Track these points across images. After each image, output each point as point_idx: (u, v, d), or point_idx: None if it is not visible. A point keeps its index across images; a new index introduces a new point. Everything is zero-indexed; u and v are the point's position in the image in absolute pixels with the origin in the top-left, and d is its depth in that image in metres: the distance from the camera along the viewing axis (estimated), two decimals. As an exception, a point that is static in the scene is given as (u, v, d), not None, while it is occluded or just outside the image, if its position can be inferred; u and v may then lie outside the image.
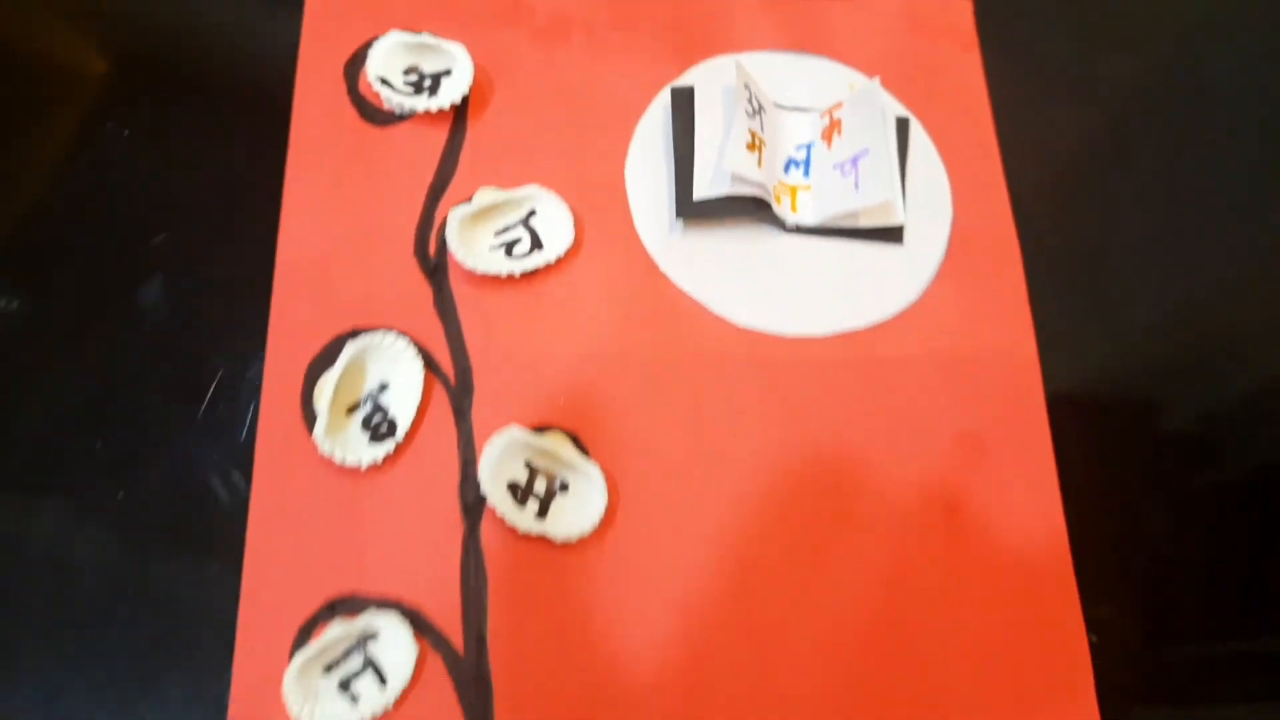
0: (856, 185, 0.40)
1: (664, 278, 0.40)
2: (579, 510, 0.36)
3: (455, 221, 0.39)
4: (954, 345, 0.40)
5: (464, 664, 0.34)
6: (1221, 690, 0.37)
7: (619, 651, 0.35)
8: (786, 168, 0.42)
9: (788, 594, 0.36)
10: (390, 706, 0.33)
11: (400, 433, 0.37)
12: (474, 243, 0.39)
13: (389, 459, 0.36)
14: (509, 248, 0.40)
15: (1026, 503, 0.38)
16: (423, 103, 0.42)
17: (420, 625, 0.34)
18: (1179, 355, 0.42)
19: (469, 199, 0.40)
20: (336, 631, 0.33)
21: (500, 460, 0.36)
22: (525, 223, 0.40)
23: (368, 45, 0.44)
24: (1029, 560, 0.37)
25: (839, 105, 0.42)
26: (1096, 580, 0.37)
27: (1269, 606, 0.38)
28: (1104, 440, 0.39)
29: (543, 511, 0.36)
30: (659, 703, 0.34)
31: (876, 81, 0.42)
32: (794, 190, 0.42)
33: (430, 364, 0.38)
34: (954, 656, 0.36)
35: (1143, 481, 0.39)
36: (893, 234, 0.42)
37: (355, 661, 0.34)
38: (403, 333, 0.38)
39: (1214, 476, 0.40)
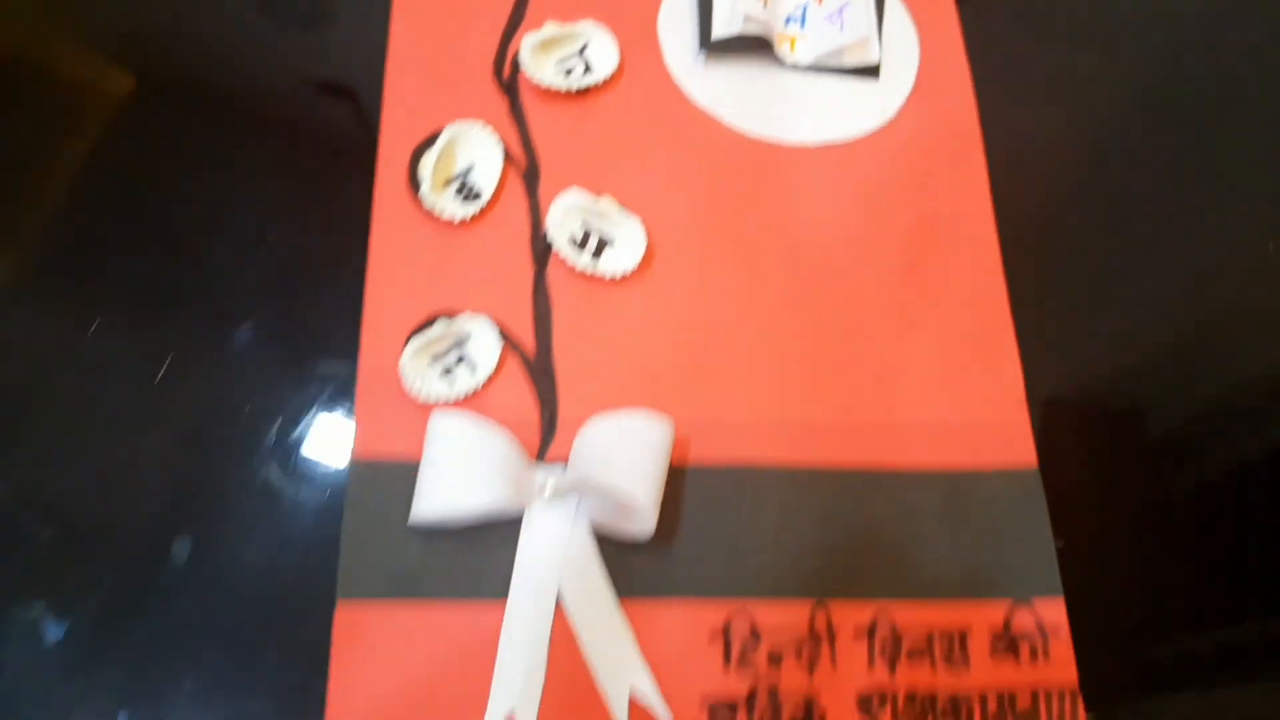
0: (841, 28, 0.51)
1: (687, 99, 0.51)
2: (624, 255, 0.47)
3: (528, 46, 0.50)
4: (917, 153, 0.51)
5: (535, 363, 0.45)
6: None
7: (654, 352, 0.45)
8: (786, 22, 0.53)
9: (781, 317, 0.47)
10: (479, 387, 0.44)
11: (485, 198, 0.47)
12: (540, 68, 0.50)
13: (476, 218, 0.47)
14: (567, 72, 0.51)
15: (971, 260, 0.49)
16: (499, -34, 0.53)
17: (502, 335, 0.45)
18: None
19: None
20: (439, 329, 0.44)
21: (563, 217, 0.47)
22: (580, 53, 0.51)
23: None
24: (972, 300, 0.48)
25: (828, -28, 0.53)
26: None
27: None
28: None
29: (595, 255, 0.47)
30: (682, 385, 0.45)
31: (858, -46, 0.53)
32: (793, 39, 0.53)
33: (507, 155, 0.49)
34: (911, 382, 0.46)
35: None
36: (870, 71, 0.52)
37: (453, 356, 0.44)
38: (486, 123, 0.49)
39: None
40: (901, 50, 0.54)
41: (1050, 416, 0.46)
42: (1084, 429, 0.46)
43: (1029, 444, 0.45)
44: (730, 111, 0.51)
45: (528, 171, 0.48)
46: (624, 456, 0.40)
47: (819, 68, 0.52)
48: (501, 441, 0.41)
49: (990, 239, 0.49)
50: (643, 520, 0.41)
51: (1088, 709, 0.41)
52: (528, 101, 0.50)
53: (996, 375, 0.46)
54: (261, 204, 0.47)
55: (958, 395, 0.46)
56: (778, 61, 0.52)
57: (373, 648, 0.40)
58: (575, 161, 0.49)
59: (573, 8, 0.52)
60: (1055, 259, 0.50)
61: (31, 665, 0.39)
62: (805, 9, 0.53)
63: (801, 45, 0.52)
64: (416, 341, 0.44)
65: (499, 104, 0.50)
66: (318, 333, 0.45)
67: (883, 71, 0.53)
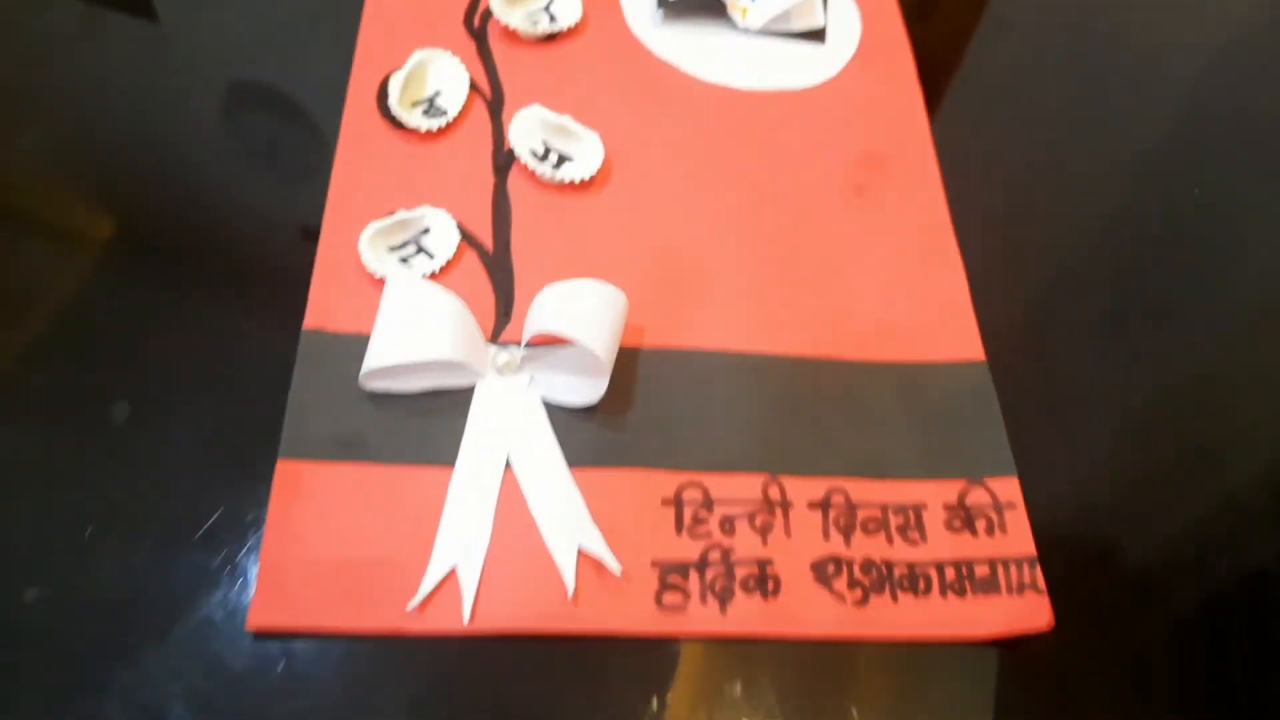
0: (789, -6, 0.55)
1: (646, 48, 0.54)
2: (583, 166, 0.48)
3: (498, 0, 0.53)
4: (862, 102, 0.54)
5: (493, 257, 0.45)
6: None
7: (610, 252, 0.46)
8: (739, -7, 0.57)
9: (733, 225, 0.48)
10: (436, 272, 0.44)
11: (451, 116, 0.49)
12: (509, 16, 0.53)
13: (441, 131, 0.49)
14: (534, 23, 0.53)
15: (915, 186, 0.51)
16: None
17: (461, 231, 0.46)
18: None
19: (507, -13, 0.54)
20: (400, 215, 0.45)
21: (525, 129, 0.48)
22: (546, 8, 0.54)
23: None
24: (917, 217, 0.49)
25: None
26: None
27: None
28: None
29: (556, 168, 0.48)
30: (636, 283, 0.45)
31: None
32: (744, 9, 0.56)
33: (473, 85, 0.51)
34: (860, 286, 0.47)
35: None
36: (816, 35, 0.56)
37: (411, 248, 0.45)
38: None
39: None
40: (844, 19, 0.57)
41: (995, 315, 0.47)
42: (1030, 323, 0.47)
43: (976, 339, 0.46)
44: (686, 61, 0.54)
45: (492, 99, 0.50)
46: (578, 313, 0.40)
47: (768, 31, 0.56)
48: (457, 304, 0.41)
49: (932, 171, 0.51)
50: (596, 380, 0.41)
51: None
52: (495, 45, 0.53)
53: (941, 280, 0.48)
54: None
55: (906, 297, 0.47)
56: (731, 24, 0.56)
57: (312, 506, 0.38)
58: (538, 93, 0.51)
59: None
60: (996, 200, 0.52)
61: None
62: (757, -18, 0.57)
63: (753, 11, 0.56)
64: (374, 226, 0.44)
65: (469, 46, 0.52)
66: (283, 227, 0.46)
67: (828, 36, 0.56)
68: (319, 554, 0.38)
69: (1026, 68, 0.59)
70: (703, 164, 0.50)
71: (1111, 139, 0.56)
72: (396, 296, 0.41)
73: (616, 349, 0.41)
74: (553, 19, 0.54)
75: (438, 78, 0.50)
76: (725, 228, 0.48)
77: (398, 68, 0.50)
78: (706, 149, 0.50)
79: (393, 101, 0.48)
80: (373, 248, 0.44)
